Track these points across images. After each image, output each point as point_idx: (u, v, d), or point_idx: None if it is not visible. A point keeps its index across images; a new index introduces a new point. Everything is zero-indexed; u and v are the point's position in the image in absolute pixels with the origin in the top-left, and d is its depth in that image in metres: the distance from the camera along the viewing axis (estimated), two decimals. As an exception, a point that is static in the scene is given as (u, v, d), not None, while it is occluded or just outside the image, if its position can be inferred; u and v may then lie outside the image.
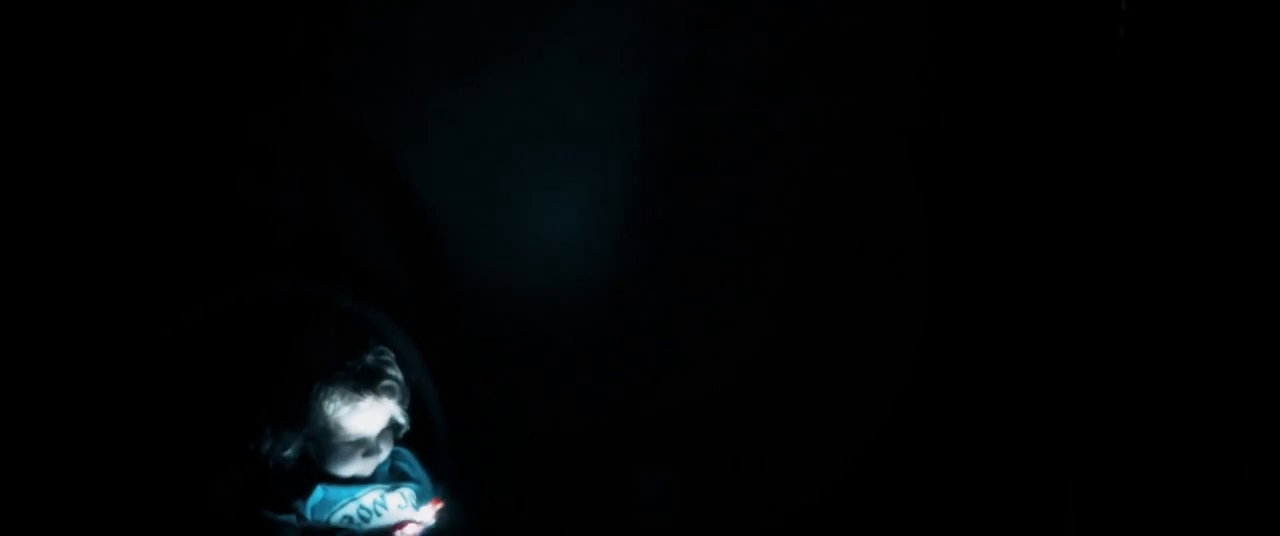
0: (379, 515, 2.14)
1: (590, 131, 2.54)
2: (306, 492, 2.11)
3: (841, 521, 2.60)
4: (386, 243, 2.48)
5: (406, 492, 2.19)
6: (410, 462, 2.25)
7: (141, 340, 2.27)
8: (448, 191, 2.50)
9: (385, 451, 2.15)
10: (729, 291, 2.61)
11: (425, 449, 2.29)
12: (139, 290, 2.34)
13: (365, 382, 2.10)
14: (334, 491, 2.13)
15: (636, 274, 2.58)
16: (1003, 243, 2.56)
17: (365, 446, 2.12)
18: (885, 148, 2.57)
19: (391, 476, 2.21)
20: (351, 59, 2.46)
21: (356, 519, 2.13)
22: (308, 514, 2.10)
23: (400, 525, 2.11)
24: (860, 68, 2.55)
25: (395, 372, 2.14)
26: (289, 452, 2.10)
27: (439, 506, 2.12)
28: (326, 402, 2.08)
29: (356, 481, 2.15)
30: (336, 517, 2.12)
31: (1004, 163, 2.54)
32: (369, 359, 2.12)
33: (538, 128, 2.53)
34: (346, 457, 2.12)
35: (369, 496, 2.15)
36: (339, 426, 2.09)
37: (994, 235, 2.56)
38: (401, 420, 2.16)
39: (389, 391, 2.12)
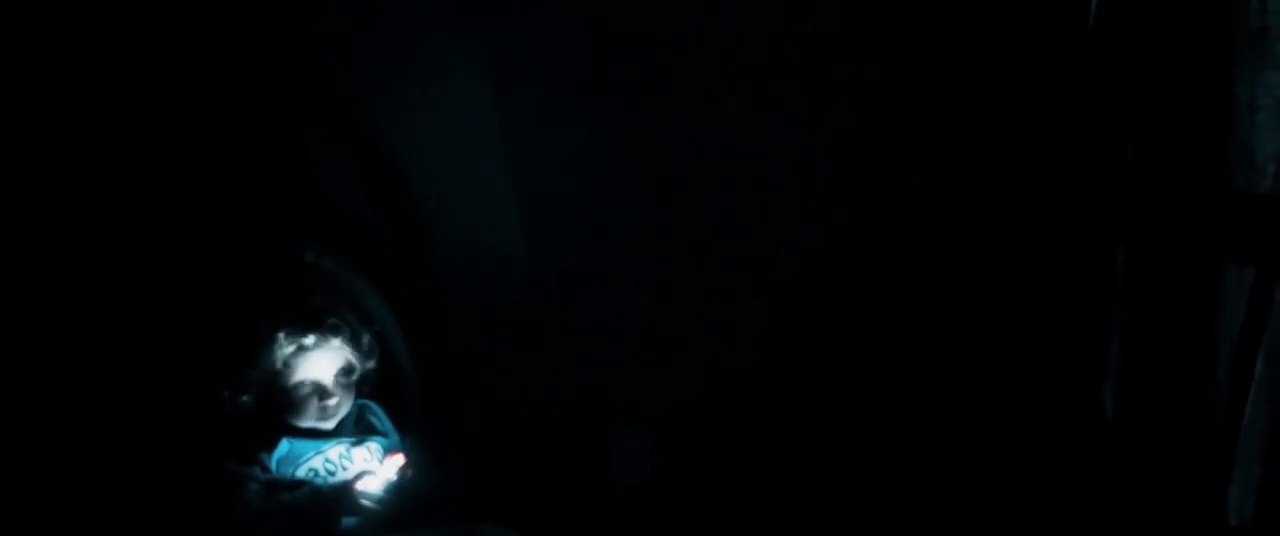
0: (344, 468, 2.18)
1: (577, 80, 2.53)
2: (271, 446, 2.15)
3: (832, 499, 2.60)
4: (358, 195, 2.49)
5: (372, 446, 2.23)
6: (379, 416, 2.28)
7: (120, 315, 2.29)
8: (424, 144, 2.50)
9: (340, 400, 2.17)
10: (724, 252, 2.59)
11: (395, 404, 2.31)
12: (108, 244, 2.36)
13: (311, 320, 2.13)
14: (299, 444, 2.17)
15: (624, 229, 2.58)
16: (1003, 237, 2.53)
17: (319, 392, 2.15)
18: (887, 134, 2.53)
19: (359, 430, 2.24)
20: (332, 16, 2.46)
21: (321, 472, 2.17)
22: (272, 466, 2.15)
23: (360, 477, 2.14)
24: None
25: (346, 315, 2.18)
26: (245, 399, 2.14)
27: (401, 462, 2.15)
28: (274, 345, 2.12)
29: (323, 435, 2.18)
30: (301, 471, 2.16)
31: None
32: (317, 299, 2.16)
33: (521, 80, 2.52)
34: (302, 405, 2.15)
35: (334, 450, 2.19)
36: (288, 367, 2.13)
37: (995, 230, 2.53)
38: (354, 361, 2.19)
39: (335, 329, 2.16)
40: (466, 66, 2.48)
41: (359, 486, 2.13)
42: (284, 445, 2.16)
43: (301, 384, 2.15)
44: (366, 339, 2.25)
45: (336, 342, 2.17)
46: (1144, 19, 2.30)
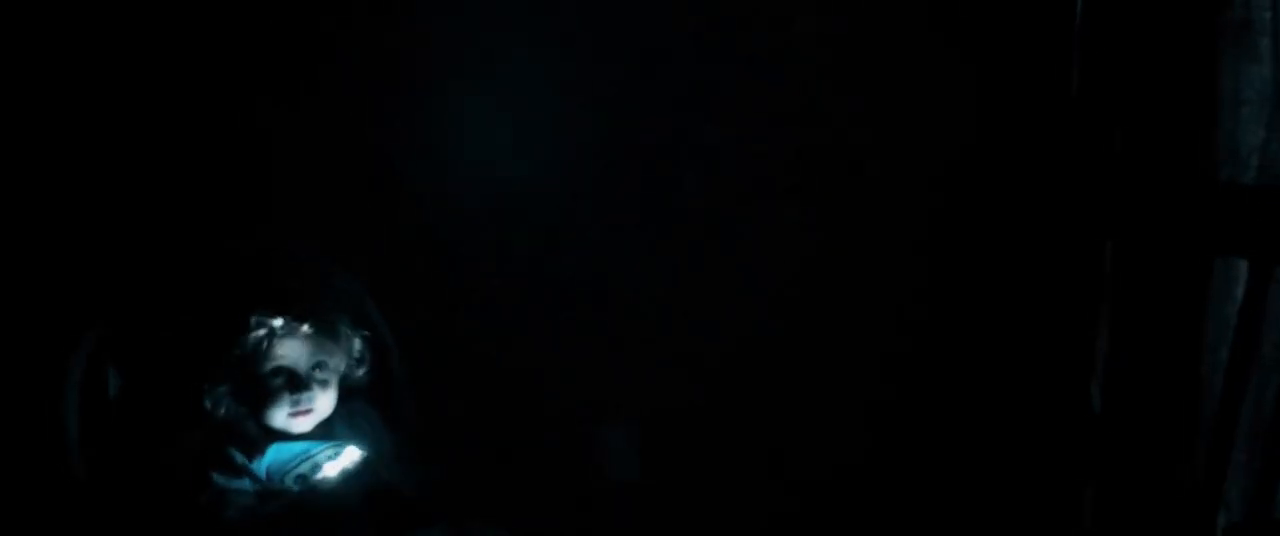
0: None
1: (569, 61, 2.50)
2: (261, 453, 2.08)
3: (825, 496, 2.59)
4: (357, 197, 2.46)
5: (357, 447, 2.16)
6: (371, 420, 2.22)
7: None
8: (423, 146, 2.47)
9: (313, 396, 2.10)
10: (718, 251, 2.58)
11: (388, 406, 2.27)
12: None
13: (291, 310, 2.08)
14: (286, 449, 2.08)
15: (621, 230, 2.56)
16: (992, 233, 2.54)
17: (291, 382, 2.08)
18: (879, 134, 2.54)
19: (350, 435, 2.18)
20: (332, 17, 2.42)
21: (310, 477, 2.10)
22: (262, 474, 2.07)
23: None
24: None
25: (337, 314, 2.13)
26: (222, 389, 2.07)
27: (355, 454, 2.09)
28: (247, 330, 2.06)
29: (311, 439, 2.12)
30: (291, 478, 2.08)
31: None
32: (304, 290, 2.11)
33: (505, 58, 2.48)
34: (273, 397, 2.06)
35: (322, 454, 2.12)
36: (259, 353, 2.05)
37: (984, 226, 2.54)
38: (335, 359, 2.13)
39: (316, 322, 2.10)
40: (466, 68, 2.44)
41: (319, 476, 2.05)
42: (272, 451, 2.09)
43: (273, 371, 2.08)
44: (358, 343, 2.19)
45: (312, 332, 2.11)
46: (1130, 14, 2.32)
